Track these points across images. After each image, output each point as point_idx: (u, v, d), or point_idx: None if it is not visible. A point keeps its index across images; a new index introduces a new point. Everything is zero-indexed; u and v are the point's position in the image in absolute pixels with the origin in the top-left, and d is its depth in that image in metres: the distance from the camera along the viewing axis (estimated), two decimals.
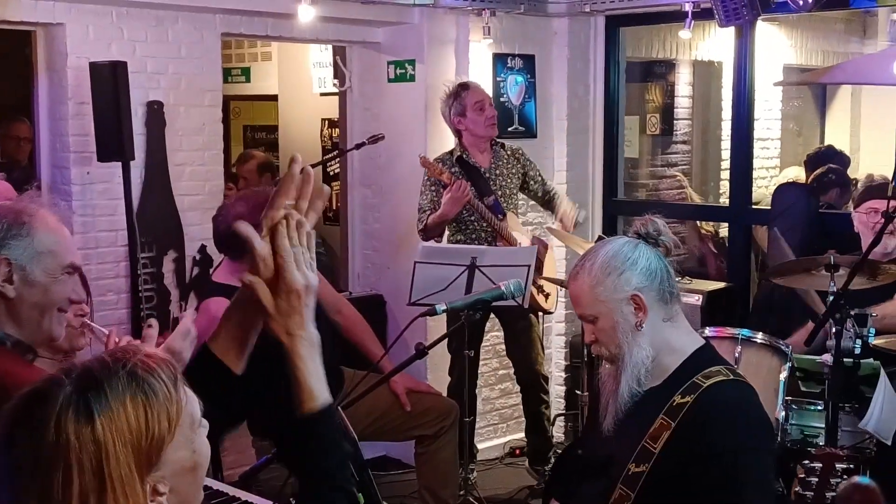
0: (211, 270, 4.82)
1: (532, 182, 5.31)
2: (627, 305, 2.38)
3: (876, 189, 4.36)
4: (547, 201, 5.35)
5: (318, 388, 1.67)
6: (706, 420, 2.29)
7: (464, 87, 5.08)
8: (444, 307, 2.47)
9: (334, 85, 6.44)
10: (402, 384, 4.20)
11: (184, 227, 5.04)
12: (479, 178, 5.07)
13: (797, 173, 6.95)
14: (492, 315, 5.27)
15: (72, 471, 1.34)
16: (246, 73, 8.09)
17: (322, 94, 7.31)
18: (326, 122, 7.38)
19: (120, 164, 4.59)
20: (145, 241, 4.85)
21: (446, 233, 5.13)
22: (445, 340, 3.32)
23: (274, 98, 7.88)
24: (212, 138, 5.17)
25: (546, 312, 5.28)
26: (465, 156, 5.09)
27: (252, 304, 1.70)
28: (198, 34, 5.05)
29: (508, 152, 5.25)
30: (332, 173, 7.23)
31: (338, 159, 6.33)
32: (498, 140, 5.24)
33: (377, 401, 3.97)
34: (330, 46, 6.62)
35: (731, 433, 2.29)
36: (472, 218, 5.01)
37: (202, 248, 5.08)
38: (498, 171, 5.17)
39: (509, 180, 5.20)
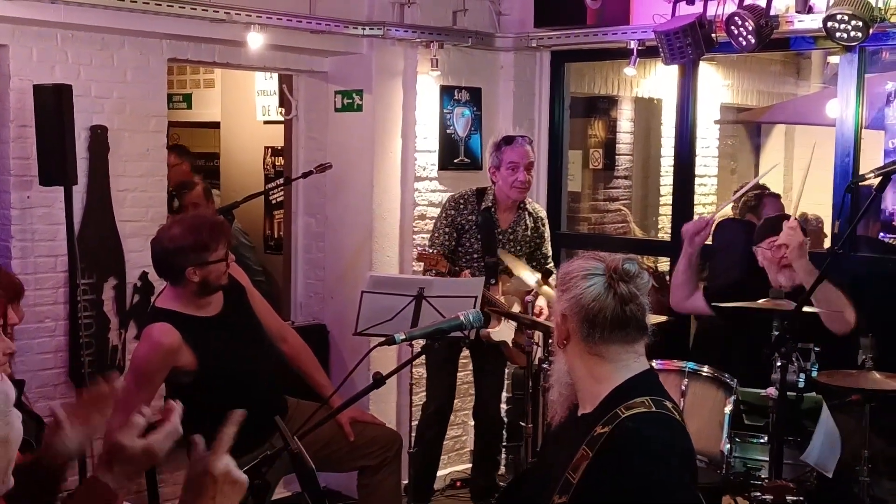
0: (153, 298, 4.75)
1: (538, 253, 5.25)
2: (560, 319, 2.41)
3: (775, 223, 4.42)
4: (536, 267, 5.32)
5: None
6: (619, 454, 2.25)
7: (507, 142, 5.00)
8: (404, 336, 2.45)
9: (280, 113, 6.42)
10: (346, 414, 4.14)
11: (125, 254, 4.95)
12: (490, 236, 5.05)
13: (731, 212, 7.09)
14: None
15: None
16: (188, 99, 8.02)
17: (266, 122, 7.27)
18: (270, 150, 7.34)
19: (62, 188, 4.51)
20: (85, 268, 4.75)
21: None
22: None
23: (216, 125, 7.81)
24: (156, 164, 5.10)
25: (523, 367, 5.26)
26: (492, 210, 5.06)
27: None
28: (144, 59, 4.99)
29: (532, 219, 5.19)
30: (274, 202, 7.19)
31: (282, 188, 6.30)
32: (525, 206, 5.17)
33: (321, 431, 3.91)
34: (275, 74, 6.61)
35: (643, 469, 2.24)
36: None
37: (143, 276, 5.00)
38: (513, 235, 5.13)
39: (520, 246, 5.15)
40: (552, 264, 5.27)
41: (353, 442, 4.19)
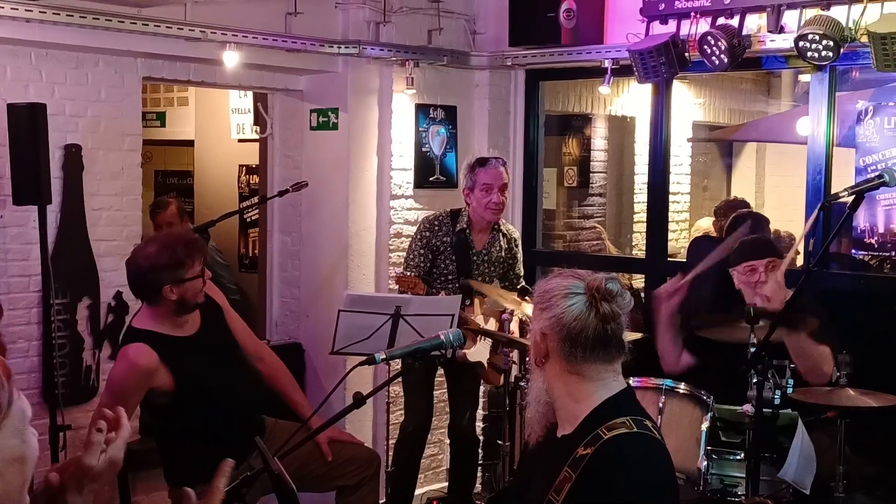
0: (128, 317, 4.71)
1: (511, 273, 5.29)
2: (538, 338, 2.40)
3: (750, 247, 4.45)
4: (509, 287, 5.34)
5: None
6: (603, 476, 2.24)
7: (480, 164, 5.01)
8: (384, 356, 2.44)
9: (255, 131, 6.41)
10: (324, 433, 4.08)
11: (99, 274, 4.93)
12: (464, 258, 5.06)
13: (710, 224, 7.15)
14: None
15: None
16: (161, 117, 8.00)
17: (240, 141, 7.26)
18: (244, 168, 7.33)
19: (35, 207, 4.47)
20: (59, 287, 4.72)
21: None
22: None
23: (190, 143, 7.80)
24: (130, 183, 5.09)
25: (498, 387, 5.27)
26: (467, 232, 5.08)
27: None
28: (118, 77, 4.98)
29: (506, 240, 5.22)
30: (249, 220, 7.17)
31: (257, 206, 6.28)
32: (499, 227, 5.20)
33: (298, 450, 3.91)
34: (250, 93, 6.61)
35: (625, 492, 2.24)
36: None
37: (118, 295, 4.97)
38: (487, 257, 5.15)
39: (494, 267, 5.18)
40: (523, 283, 5.30)
41: (330, 461, 4.17)
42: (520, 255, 5.31)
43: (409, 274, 4.93)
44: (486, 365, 5.01)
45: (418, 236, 5.11)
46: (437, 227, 5.08)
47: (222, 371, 3.95)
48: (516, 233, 5.37)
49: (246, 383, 4.09)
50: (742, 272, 4.36)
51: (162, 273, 3.76)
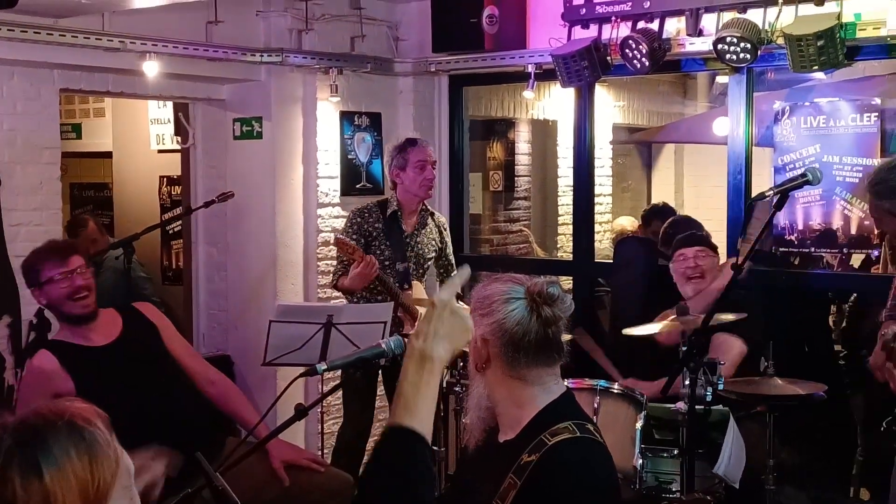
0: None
1: (443, 258, 5.29)
2: (479, 343, 2.39)
3: (685, 239, 4.64)
4: (442, 278, 5.35)
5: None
6: (547, 482, 2.25)
7: (411, 143, 5.05)
8: (325, 367, 2.41)
9: (176, 142, 6.31)
10: (281, 457, 3.88)
11: (20, 290, 4.78)
12: (398, 242, 5.04)
13: (630, 222, 7.27)
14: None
15: None
16: (77, 129, 7.82)
17: (160, 151, 7.14)
18: (165, 179, 7.20)
19: None
20: None
21: None
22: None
23: (107, 155, 7.64)
24: (49, 197, 4.97)
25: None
26: (399, 215, 5.05)
27: None
28: (34, 90, 4.86)
29: (435, 222, 5.23)
30: (171, 231, 7.05)
31: (181, 217, 6.19)
32: (429, 209, 5.22)
33: (254, 474, 3.71)
34: (169, 102, 6.50)
35: (570, 497, 2.25)
36: (375, 284, 4.89)
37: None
38: (419, 238, 5.13)
39: (427, 249, 5.17)
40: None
41: (288, 487, 3.88)
42: (449, 241, 5.33)
43: (349, 240, 4.85)
44: None
45: (349, 223, 5.07)
46: (367, 215, 5.06)
47: (143, 387, 3.78)
48: (444, 219, 5.41)
49: (176, 401, 3.93)
50: (675, 260, 4.56)
51: (25, 277, 3.89)
